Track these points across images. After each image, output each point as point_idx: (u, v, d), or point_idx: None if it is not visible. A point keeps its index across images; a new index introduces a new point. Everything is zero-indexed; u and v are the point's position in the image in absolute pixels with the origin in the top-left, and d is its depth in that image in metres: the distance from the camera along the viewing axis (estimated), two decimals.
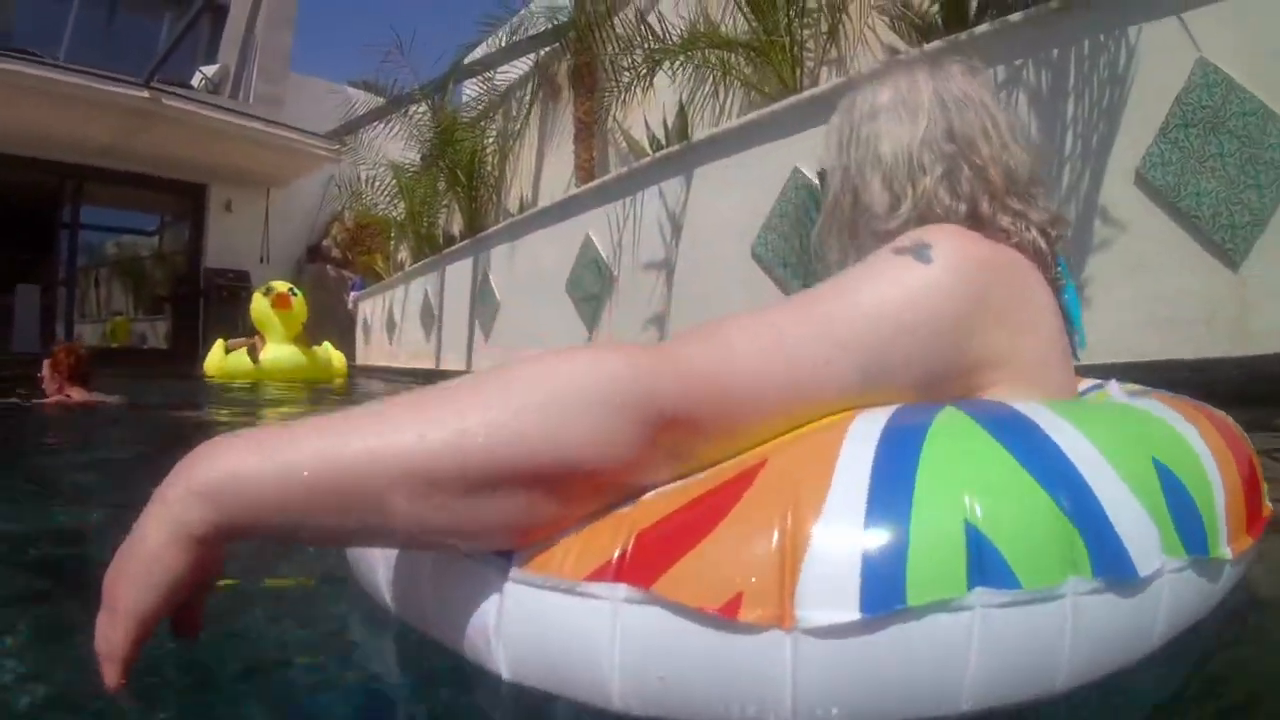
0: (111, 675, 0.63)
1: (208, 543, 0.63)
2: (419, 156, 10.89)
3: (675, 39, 5.72)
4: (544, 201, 8.30)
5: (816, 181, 4.14)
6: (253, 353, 9.52)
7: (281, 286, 10.38)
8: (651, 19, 6.50)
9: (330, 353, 10.49)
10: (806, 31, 5.17)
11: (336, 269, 15.39)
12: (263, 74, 14.51)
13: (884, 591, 0.53)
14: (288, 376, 9.42)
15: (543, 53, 9.22)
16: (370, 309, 13.25)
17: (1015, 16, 3.33)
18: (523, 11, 9.84)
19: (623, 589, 0.57)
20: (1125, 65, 3.01)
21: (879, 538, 0.54)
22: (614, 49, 6.45)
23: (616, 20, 6.66)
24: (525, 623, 0.62)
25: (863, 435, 0.62)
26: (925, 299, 0.75)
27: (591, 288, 6.25)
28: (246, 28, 14.74)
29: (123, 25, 14.08)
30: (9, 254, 12.36)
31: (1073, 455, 0.63)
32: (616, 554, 0.59)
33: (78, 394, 4.40)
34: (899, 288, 0.76)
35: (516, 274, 7.74)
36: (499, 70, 9.92)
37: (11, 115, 10.74)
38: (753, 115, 4.79)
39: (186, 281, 14.59)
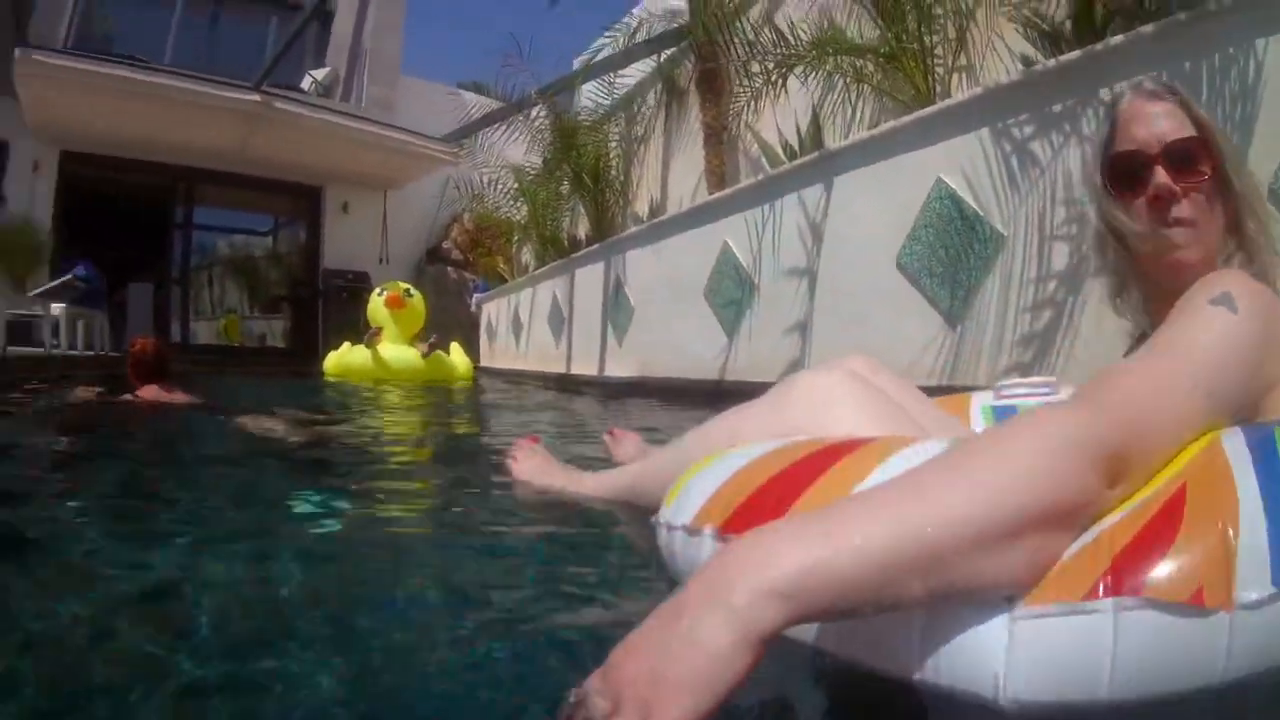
0: None
1: (769, 642, 0.65)
2: (541, 160, 11.17)
3: (804, 44, 5.77)
4: (672, 206, 8.36)
5: (963, 191, 4.18)
6: (370, 340, 9.89)
7: (399, 287, 10.73)
8: (778, 21, 6.55)
9: (457, 356, 10.64)
10: (935, 38, 5.14)
11: (457, 270, 15.75)
12: (373, 77, 14.86)
13: None
14: (405, 378, 9.63)
15: (664, 56, 9.33)
16: (494, 311, 13.43)
17: (1147, 28, 3.34)
18: (639, 13, 9.99)
19: (1121, 600, 0.74)
20: (1254, 79, 3.01)
21: (1277, 534, 0.77)
22: (743, 53, 6.54)
23: (743, 23, 6.74)
24: (1033, 648, 0.75)
25: (1239, 457, 0.86)
26: (1238, 343, 1.00)
27: (732, 294, 6.31)
28: (354, 32, 15.08)
29: (226, 30, 14.47)
30: (123, 253, 12.72)
31: None
32: (1103, 575, 0.76)
33: (149, 392, 4.38)
34: (1222, 336, 1.01)
35: (651, 279, 7.79)
36: (618, 73, 10.12)
37: (123, 120, 11.14)
38: (895, 122, 4.84)
39: (304, 282, 15.02)
